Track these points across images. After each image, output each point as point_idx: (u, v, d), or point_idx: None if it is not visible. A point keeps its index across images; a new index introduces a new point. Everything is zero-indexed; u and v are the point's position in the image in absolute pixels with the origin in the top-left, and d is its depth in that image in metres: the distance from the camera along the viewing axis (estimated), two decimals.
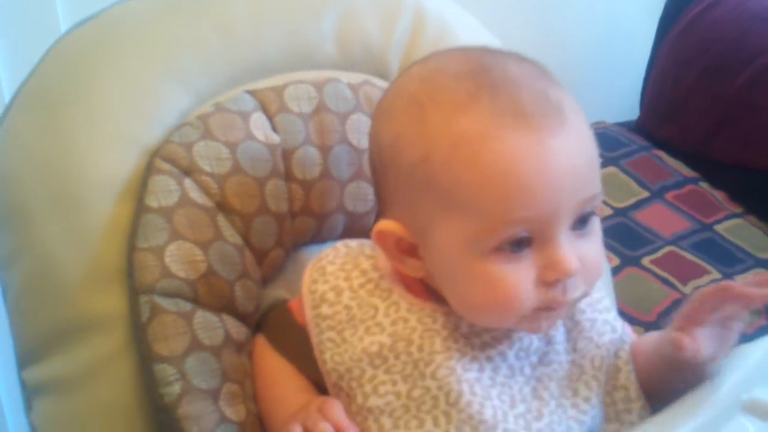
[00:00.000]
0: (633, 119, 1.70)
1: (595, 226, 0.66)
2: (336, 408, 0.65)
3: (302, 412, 0.66)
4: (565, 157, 0.61)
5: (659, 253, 1.39)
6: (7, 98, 0.83)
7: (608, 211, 1.43)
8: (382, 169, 0.68)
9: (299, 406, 0.68)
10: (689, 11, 1.62)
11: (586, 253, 0.64)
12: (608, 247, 1.02)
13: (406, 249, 0.67)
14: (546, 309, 0.64)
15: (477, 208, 0.61)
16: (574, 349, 0.70)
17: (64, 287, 0.70)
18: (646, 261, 1.37)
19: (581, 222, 0.63)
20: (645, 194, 1.49)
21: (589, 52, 1.80)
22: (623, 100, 1.77)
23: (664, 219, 1.45)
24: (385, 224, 0.67)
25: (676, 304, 1.27)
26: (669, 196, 1.49)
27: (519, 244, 0.62)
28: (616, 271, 1.36)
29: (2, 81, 1.10)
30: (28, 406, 0.73)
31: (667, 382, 0.68)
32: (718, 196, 1.50)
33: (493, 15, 1.11)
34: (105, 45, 0.76)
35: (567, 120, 0.62)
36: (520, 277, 0.62)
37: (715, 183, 1.52)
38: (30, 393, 0.73)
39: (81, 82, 0.73)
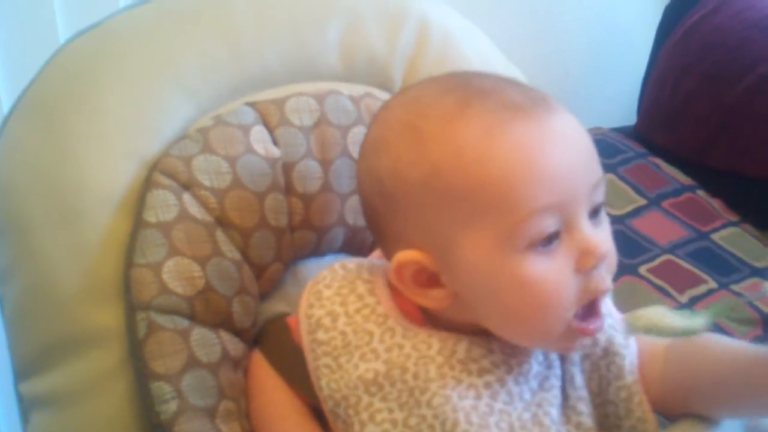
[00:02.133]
0: (630, 124, 1.70)
1: (604, 216, 0.65)
2: None
3: None
4: (571, 136, 0.62)
5: (656, 262, 1.39)
6: (6, 108, 0.82)
7: None
8: (385, 202, 0.66)
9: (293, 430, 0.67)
10: (688, 18, 1.62)
11: (605, 239, 0.64)
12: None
13: (425, 281, 0.65)
14: (584, 333, 0.63)
15: (501, 205, 0.60)
16: (562, 373, 0.69)
17: (61, 301, 0.69)
18: (642, 269, 1.37)
19: (595, 212, 0.63)
20: (642, 202, 1.49)
21: (587, 57, 1.80)
22: (620, 106, 1.77)
23: (661, 227, 1.45)
24: (404, 255, 0.64)
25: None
26: (666, 204, 1.49)
27: (548, 239, 0.61)
28: (613, 279, 1.35)
29: (1, 89, 1.09)
30: (25, 420, 0.73)
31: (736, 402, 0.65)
32: (715, 204, 1.50)
33: (491, 22, 1.11)
34: (106, 54, 0.75)
35: (557, 107, 0.63)
36: (558, 270, 0.61)
37: (712, 191, 1.52)
38: (27, 406, 0.72)
39: (82, 92, 0.73)
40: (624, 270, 1.36)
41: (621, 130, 1.67)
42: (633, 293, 1.32)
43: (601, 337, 0.70)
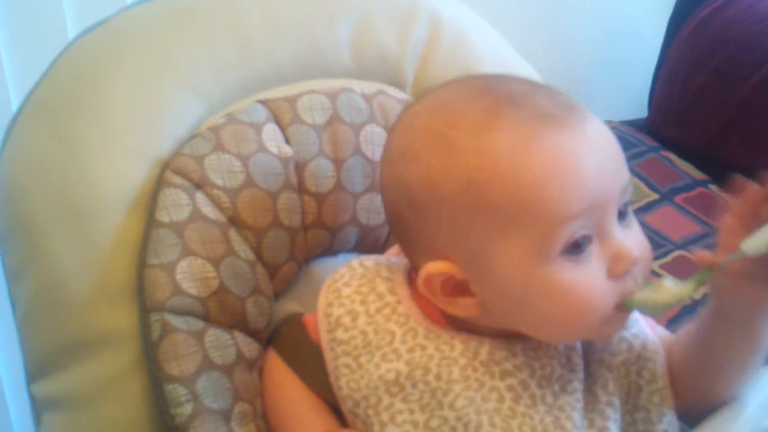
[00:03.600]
0: (641, 117, 1.69)
1: (633, 218, 0.66)
2: None
3: None
4: (602, 142, 0.62)
5: (669, 257, 1.38)
6: (14, 106, 0.81)
7: None
8: (415, 212, 0.65)
9: (313, 426, 0.67)
10: (700, 11, 1.61)
11: (636, 242, 0.64)
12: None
13: (453, 290, 0.65)
14: (624, 309, 0.63)
15: (537, 214, 0.60)
16: (589, 375, 0.69)
17: (73, 301, 0.69)
18: (655, 265, 1.36)
19: (623, 215, 0.64)
20: (655, 196, 1.48)
21: (598, 50, 1.78)
22: (631, 99, 1.76)
23: (673, 222, 1.44)
24: (434, 266, 0.64)
25: (686, 310, 1.26)
26: (678, 198, 1.48)
27: (580, 245, 0.61)
28: None
29: (9, 88, 1.08)
30: (38, 421, 0.72)
31: (720, 353, 0.67)
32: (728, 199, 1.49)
33: (502, 16, 1.10)
34: (115, 52, 0.74)
35: (586, 114, 0.63)
36: (592, 276, 0.62)
37: (724, 185, 1.51)
38: (39, 407, 0.72)
39: (90, 91, 0.72)
40: None
41: (632, 124, 1.66)
42: None
43: (636, 342, 0.71)
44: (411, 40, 0.84)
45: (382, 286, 0.69)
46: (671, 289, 0.63)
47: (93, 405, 0.69)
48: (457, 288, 0.65)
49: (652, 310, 0.67)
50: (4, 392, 1.22)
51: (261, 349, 0.73)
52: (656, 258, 1.38)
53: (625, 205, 0.64)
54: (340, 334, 0.67)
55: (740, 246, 0.59)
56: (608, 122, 1.66)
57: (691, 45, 1.61)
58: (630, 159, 1.53)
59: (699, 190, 1.50)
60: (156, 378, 0.66)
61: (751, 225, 0.60)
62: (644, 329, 0.72)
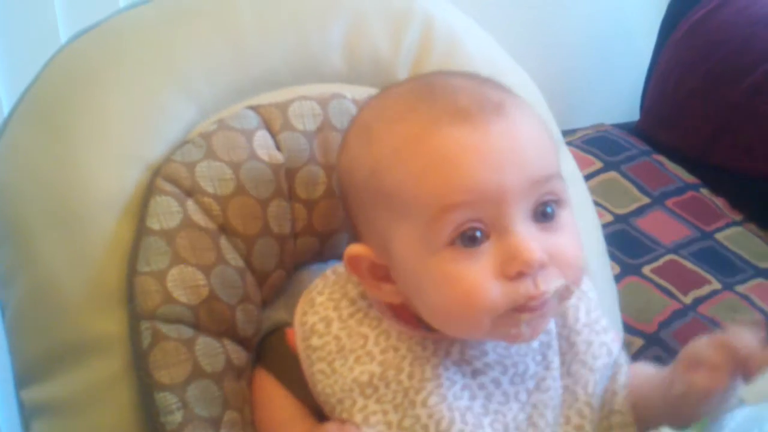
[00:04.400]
0: (633, 120, 1.69)
1: (567, 219, 0.64)
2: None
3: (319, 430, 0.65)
4: (503, 139, 0.62)
5: (660, 262, 1.38)
6: (6, 109, 0.81)
7: (609, 218, 1.42)
8: (342, 198, 0.70)
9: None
10: (693, 14, 1.61)
11: (555, 244, 0.62)
12: (609, 254, 1.02)
13: (380, 275, 0.66)
14: (523, 309, 0.62)
15: (419, 202, 0.61)
16: (568, 374, 0.70)
17: (63, 307, 0.69)
18: (646, 270, 1.36)
19: (543, 215, 0.63)
20: (646, 200, 1.48)
21: (590, 53, 1.78)
22: (623, 101, 1.76)
23: (664, 226, 1.44)
24: (353, 248, 0.67)
25: (676, 314, 1.26)
26: (669, 202, 1.48)
27: (473, 239, 0.61)
28: (616, 279, 1.35)
29: (1, 91, 1.08)
30: (26, 427, 0.72)
31: (659, 416, 0.67)
32: (719, 203, 1.49)
33: (494, 18, 1.10)
34: (108, 54, 0.74)
35: (506, 113, 0.63)
36: (477, 271, 0.61)
37: (715, 189, 1.51)
38: (28, 413, 0.72)
39: (82, 94, 0.72)
40: (628, 270, 1.35)
41: (624, 127, 1.65)
42: (637, 294, 1.32)
43: (614, 348, 0.72)
44: (404, 44, 0.84)
45: (353, 292, 0.70)
46: None
47: (82, 411, 0.69)
48: (382, 273, 0.66)
49: None
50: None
51: (249, 357, 0.73)
52: (647, 262, 1.38)
53: (546, 204, 0.63)
54: (315, 341, 0.68)
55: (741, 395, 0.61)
56: (600, 125, 1.68)
57: (684, 48, 1.61)
58: (621, 162, 1.54)
59: (690, 194, 1.50)
60: (146, 386, 0.66)
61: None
62: (616, 338, 0.73)
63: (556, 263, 0.62)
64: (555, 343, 0.70)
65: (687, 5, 1.64)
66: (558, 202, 0.64)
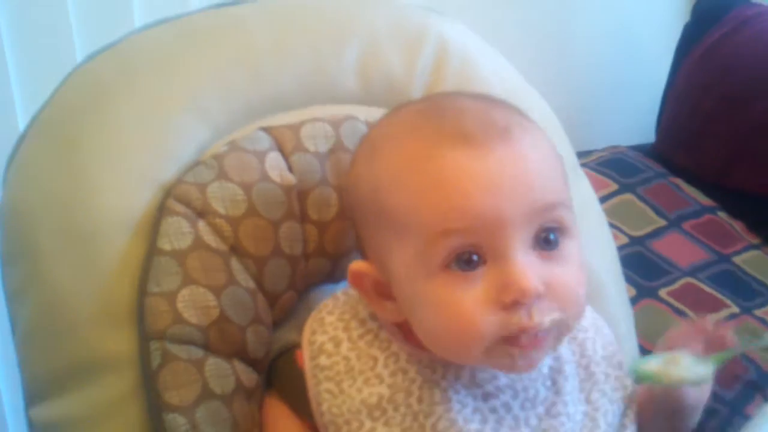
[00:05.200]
0: (648, 142, 1.69)
1: (570, 250, 0.63)
2: None
3: None
4: (505, 165, 0.61)
5: (676, 285, 1.37)
6: (21, 126, 0.81)
7: (624, 240, 1.42)
8: (350, 212, 0.70)
9: None
10: (709, 36, 1.60)
11: (554, 275, 0.61)
12: (625, 277, 1.01)
13: (383, 292, 0.66)
14: (515, 342, 0.61)
15: (416, 223, 0.61)
16: (588, 401, 0.69)
17: (73, 325, 0.68)
18: (663, 293, 1.35)
19: (546, 242, 0.62)
20: (662, 223, 1.47)
21: (606, 74, 1.78)
22: (639, 123, 1.76)
23: (681, 249, 1.43)
24: (356, 264, 0.67)
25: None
26: (687, 225, 1.47)
27: (468, 263, 0.60)
28: (632, 302, 1.33)
29: (18, 110, 1.09)
30: None
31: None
32: (736, 226, 1.48)
33: (508, 40, 1.10)
34: (121, 75, 0.74)
35: (512, 138, 0.62)
36: (471, 297, 0.60)
37: (733, 213, 1.50)
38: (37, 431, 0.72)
39: (95, 113, 0.72)
40: (644, 293, 1.34)
41: (640, 149, 1.65)
42: (653, 317, 1.30)
43: (629, 383, 0.72)
44: (418, 65, 0.84)
45: (363, 313, 0.69)
46: (689, 366, 0.63)
47: (91, 430, 0.69)
48: (385, 291, 0.66)
49: (663, 384, 0.66)
50: (5, 416, 1.22)
51: (259, 379, 0.73)
52: (664, 285, 1.37)
53: (548, 230, 0.62)
54: (323, 360, 0.68)
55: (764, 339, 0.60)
56: (616, 147, 1.67)
57: (700, 70, 1.61)
58: (637, 185, 1.53)
59: (707, 216, 1.49)
60: (155, 407, 0.66)
61: None
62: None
63: (554, 295, 0.61)
64: (567, 369, 0.70)
65: (703, 27, 1.64)
66: (562, 230, 0.63)
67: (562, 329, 0.63)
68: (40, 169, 0.72)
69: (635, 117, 1.77)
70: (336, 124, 0.78)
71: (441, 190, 0.60)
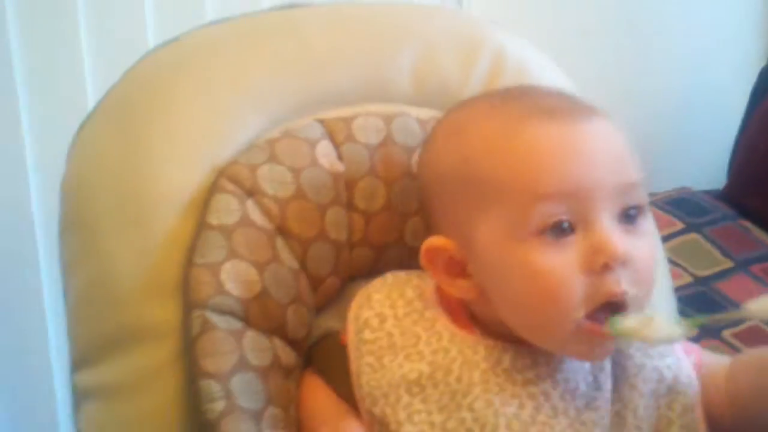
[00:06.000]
0: (718, 188, 1.66)
1: (647, 228, 0.66)
2: None
3: None
4: (597, 138, 0.64)
5: (741, 327, 1.33)
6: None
7: (687, 279, 1.39)
8: (426, 190, 0.72)
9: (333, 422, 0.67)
10: None
11: (635, 247, 0.63)
12: (687, 315, 0.98)
13: (455, 270, 0.68)
14: (605, 309, 0.62)
15: (511, 190, 0.63)
16: (619, 399, 0.68)
17: (121, 295, 0.71)
18: (726, 334, 1.31)
19: (627, 217, 0.64)
20: (728, 264, 1.43)
21: (678, 117, 1.77)
22: (710, 167, 1.73)
23: (748, 291, 1.39)
24: (433, 240, 0.69)
25: None
26: (754, 268, 1.44)
27: (560, 231, 0.62)
28: (694, 340, 1.30)
29: (90, 91, 1.15)
30: (77, 410, 0.74)
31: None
32: None
33: (582, 75, 1.10)
34: (183, 65, 0.78)
35: (597, 117, 0.66)
36: (563, 262, 0.62)
37: None
38: (79, 397, 0.74)
39: (157, 99, 0.75)
40: (706, 332, 1.30)
41: (710, 193, 1.62)
42: None
43: (668, 375, 0.70)
44: (474, 72, 0.85)
45: (411, 293, 0.71)
46: (661, 326, 0.62)
47: (131, 397, 0.71)
48: (458, 269, 0.67)
49: (635, 343, 0.66)
50: (53, 380, 1.27)
51: (299, 359, 0.74)
52: (728, 326, 1.33)
53: (631, 208, 0.64)
54: (367, 334, 0.69)
55: (744, 305, 0.61)
56: (685, 189, 1.64)
57: None
58: (704, 225, 1.50)
59: None
60: (192, 373, 0.68)
61: None
62: (680, 361, 0.71)
63: (633, 267, 0.63)
64: (607, 366, 0.69)
65: None
66: (640, 209, 0.65)
67: (636, 307, 0.64)
68: (103, 146, 0.75)
69: (707, 161, 1.75)
70: (388, 119, 0.80)
71: (539, 157, 0.63)
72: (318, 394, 0.71)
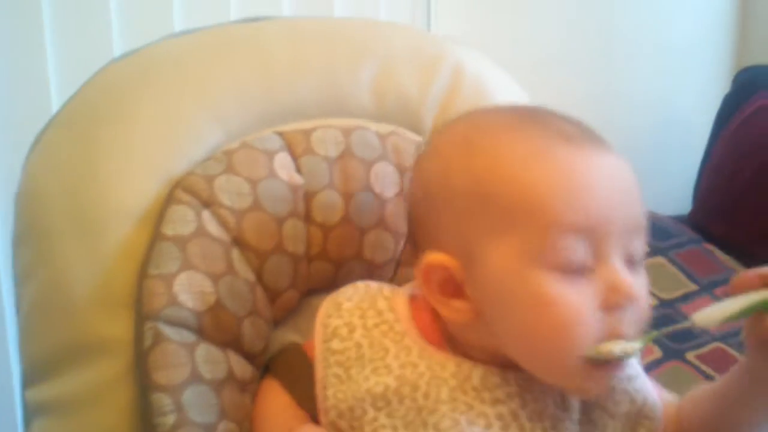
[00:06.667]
0: (684, 213, 1.67)
1: (643, 273, 0.65)
2: None
3: None
4: (614, 175, 0.63)
5: (705, 349, 1.34)
6: None
7: (653, 301, 1.39)
8: (428, 203, 0.68)
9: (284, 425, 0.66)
10: (749, 105, 1.61)
11: (640, 287, 0.63)
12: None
13: (450, 290, 0.66)
14: (602, 367, 0.62)
15: (530, 218, 0.61)
16: (588, 420, 0.67)
17: (73, 308, 0.70)
18: (690, 356, 1.32)
19: (630, 261, 0.63)
20: (693, 287, 1.45)
21: (643, 142, 1.78)
22: (675, 193, 1.74)
23: None
24: (434, 255, 0.66)
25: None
26: (718, 291, 1.45)
27: (578, 266, 0.61)
28: (657, 363, 1.30)
29: (54, 101, 1.15)
30: (27, 427, 0.73)
31: (741, 410, 0.67)
32: None
33: (548, 100, 1.11)
34: (143, 76, 0.77)
35: (610, 149, 0.65)
36: (581, 297, 0.61)
37: None
38: (30, 413, 0.72)
39: (117, 109, 0.75)
40: (671, 355, 1.31)
41: (676, 218, 1.64)
42: (679, 379, 1.27)
43: (637, 397, 0.70)
44: (433, 88, 0.86)
45: (382, 304, 0.69)
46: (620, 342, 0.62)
47: (82, 413, 0.70)
48: (455, 290, 0.65)
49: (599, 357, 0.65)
50: (14, 397, 1.25)
51: (255, 373, 0.73)
52: (692, 348, 1.34)
53: (636, 255, 0.64)
54: (335, 344, 0.68)
55: (691, 317, 0.62)
56: (651, 214, 1.66)
57: (738, 140, 1.60)
58: (670, 249, 1.52)
59: None
60: (143, 386, 0.67)
61: None
62: (646, 386, 0.71)
63: (637, 306, 0.63)
64: None
65: (743, 98, 1.64)
66: (641, 254, 0.65)
67: (632, 346, 0.63)
68: (58, 157, 0.74)
69: (672, 187, 1.76)
70: (347, 132, 0.80)
71: (559, 188, 0.61)
72: (276, 399, 0.70)
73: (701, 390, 0.71)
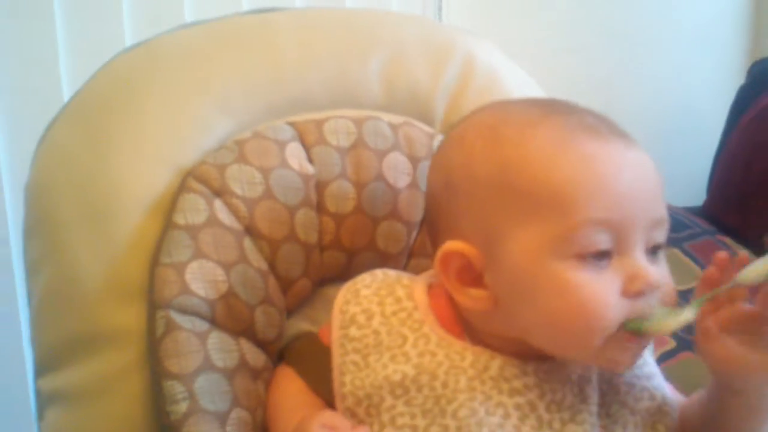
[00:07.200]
0: (698, 205, 1.66)
1: (664, 261, 0.66)
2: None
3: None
4: (640, 169, 0.64)
5: None
6: None
7: None
8: (449, 192, 0.68)
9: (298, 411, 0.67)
10: (764, 97, 1.59)
11: (662, 275, 0.64)
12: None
13: (468, 278, 0.66)
14: (630, 338, 0.62)
15: (561, 209, 0.62)
16: (607, 415, 0.67)
17: (85, 298, 0.70)
18: None
19: (652, 252, 0.64)
20: None
21: (657, 133, 1.77)
22: (690, 184, 1.73)
23: None
24: (454, 243, 0.66)
25: None
26: None
27: (601, 256, 0.62)
28: (671, 354, 1.30)
29: (66, 93, 1.15)
30: (40, 416, 0.73)
31: (726, 422, 0.67)
32: None
33: (559, 90, 1.11)
34: (152, 67, 0.77)
35: (634, 142, 0.65)
36: (604, 285, 0.61)
37: None
38: (43, 402, 0.73)
39: (126, 101, 0.75)
40: (684, 346, 1.30)
41: (689, 209, 1.63)
42: (692, 371, 1.25)
43: (657, 393, 0.70)
44: (444, 78, 0.86)
45: (401, 292, 0.69)
46: (673, 315, 0.63)
47: (94, 401, 0.70)
48: (473, 279, 0.65)
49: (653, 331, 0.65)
50: (28, 387, 1.25)
51: (268, 361, 0.73)
52: None
53: (658, 245, 0.64)
54: (353, 331, 0.68)
55: (736, 277, 0.61)
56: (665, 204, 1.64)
57: (752, 132, 1.59)
58: (684, 240, 1.50)
59: None
60: (156, 374, 0.67)
61: None
62: (663, 384, 0.72)
63: (662, 291, 0.64)
64: (594, 379, 0.68)
65: (758, 89, 1.63)
66: (662, 245, 0.66)
67: None
68: (67, 149, 0.74)
69: (686, 179, 1.75)
70: (359, 122, 0.79)
71: (588, 180, 0.62)
72: (290, 386, 0.71)
73: (698, 395, 0.71)
